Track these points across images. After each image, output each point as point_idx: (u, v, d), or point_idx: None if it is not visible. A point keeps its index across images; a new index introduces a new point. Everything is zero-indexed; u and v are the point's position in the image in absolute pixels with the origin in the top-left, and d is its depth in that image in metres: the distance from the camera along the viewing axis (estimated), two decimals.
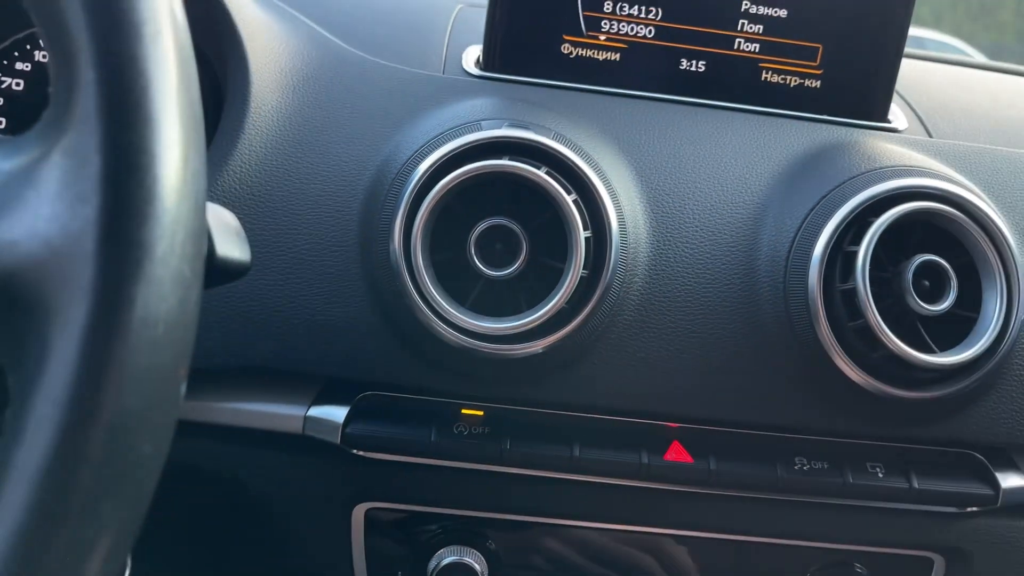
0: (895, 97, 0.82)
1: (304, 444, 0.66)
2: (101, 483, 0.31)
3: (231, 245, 0.47)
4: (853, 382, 0.64)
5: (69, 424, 0.30)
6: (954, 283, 0.63)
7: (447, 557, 0.69)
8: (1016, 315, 0.64)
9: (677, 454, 0.67)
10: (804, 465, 0.68)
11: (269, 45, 0.70)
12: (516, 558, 0.71)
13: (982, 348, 0.63)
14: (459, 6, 0.90)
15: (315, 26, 0.77)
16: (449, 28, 0.83)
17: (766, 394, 0.66)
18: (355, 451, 0.66)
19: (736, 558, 0.73)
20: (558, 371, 0.65)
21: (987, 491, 0.69)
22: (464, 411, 0.67)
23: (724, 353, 0.66)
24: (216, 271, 0.45)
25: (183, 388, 0.35)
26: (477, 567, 0.69)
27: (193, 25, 0.56)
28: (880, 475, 0.68)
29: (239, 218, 0.62)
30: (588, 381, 0.66)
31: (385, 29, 0.80)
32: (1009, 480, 0.69)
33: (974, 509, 0.69)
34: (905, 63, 0.91)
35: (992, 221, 0.64)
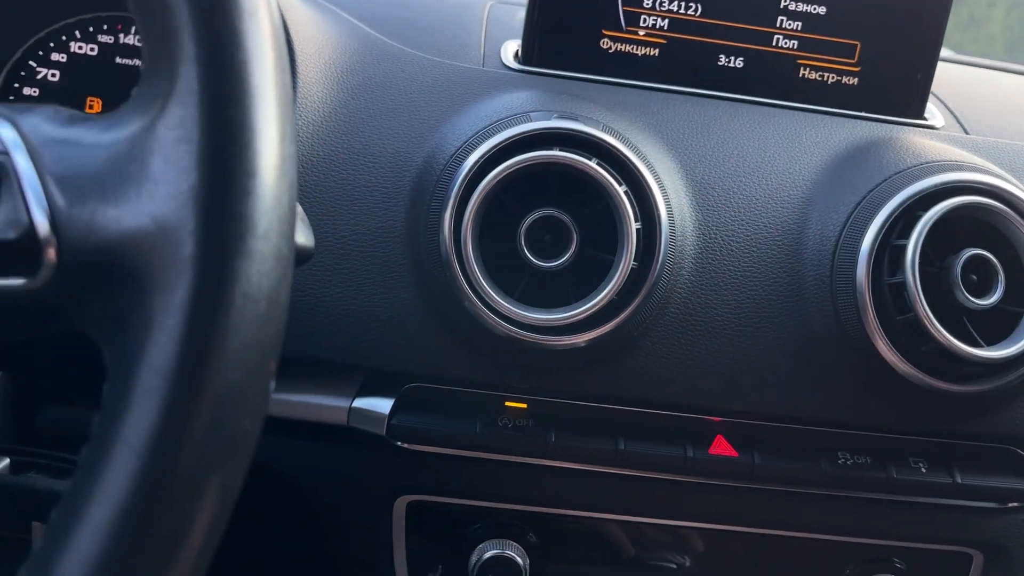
0: (929, 96, 0.82)
1: (348, 436, 0.66)
2: (205, 457, 0.30)
3: (300, 231, 0.47)
4: (900, 375, 0.64)
5: (176, 397, 0.30)
6: (1002, 277, 0.63)
7: (489, 551, 0.69)
8: None
9: (721, 448, 0.67)
10: (847, 460, 0.68)
11: (313, 37, 0.69)
12: (558, 552, 0.71)
13: None
14: (490, 3, 0.90)
15: (355, 20, 0.76)
16: (484, 23, 0.83)
17: (811, 388, 0.67)
18: (399, 443, 0.66)
19: (777, 552, 0.72)
20: (604, 364, 0.65)
21: None
22: (508, 404, 0.67)
23: (769, 347, 0.66)
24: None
25: (275, 366, 0.35)
26: (520, 561, 0.68)
27: None
28: (923, 470, 0.68)
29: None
30: (633, 374, 0.66)
31: (422, 24, 0.79)
32: None
33: (1015, 504, 0.69)
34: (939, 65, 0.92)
35: None
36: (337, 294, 0.64)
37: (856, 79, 0.78)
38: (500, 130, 0.63)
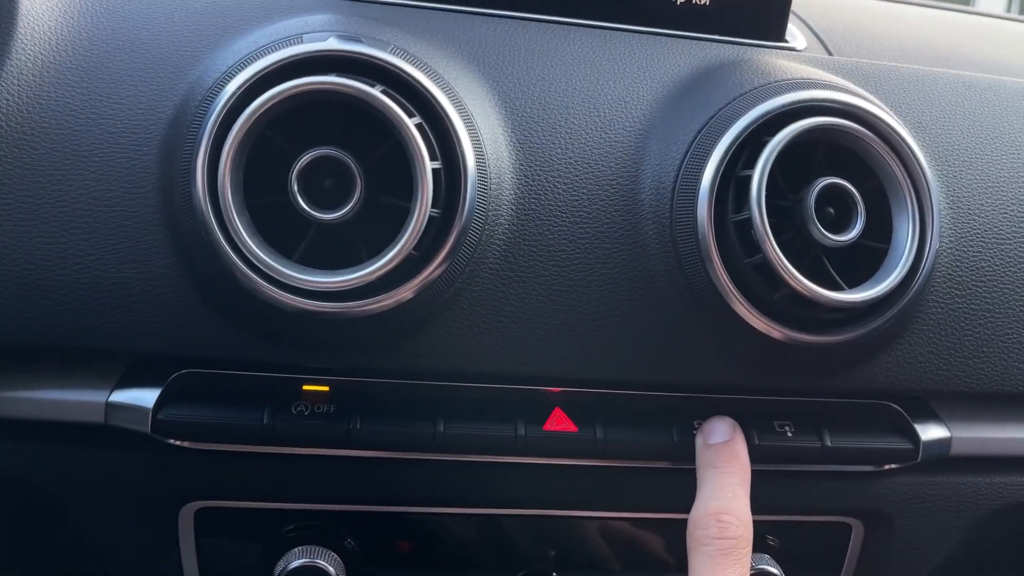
0: (793, 18, 0.74)
1: (110, 436, 0.55)
2: None
3: None
4: (753, 328, 0.55)
5: None
6: (861, 209, 0.55)
7: (295, 560, 0.58)
8: (930, 245, 0.56)
9: (559, 422, 0.58)
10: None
11: None
12: (378, 556, 0.61)
13: (894, 282, 0.55)
14: None
15: None
16: None
17: (657, 349, 0.57)
18: (172, 441, 0.55)
19: (628, 538, 0.64)
20: (414, 333, 0.55)
21: (906, 445, 0.61)
22: (306, 387, 0.56)
23: (607, 304, 0.57)
24: None
25: None
26: (331, 570, 0.58)
27: None
28: (789, 434, 0.60)
29: (13, 164, 0.50)
30: (450, 343, 0.56)
31: None
32: (929, 432, 0.62)
33: (893, 467, 0.62)
34: None
35: (902, 139, 0.57)
36: (77, 266, 0.52)
37: None
38: (263, 55, 0.52)
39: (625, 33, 0.65)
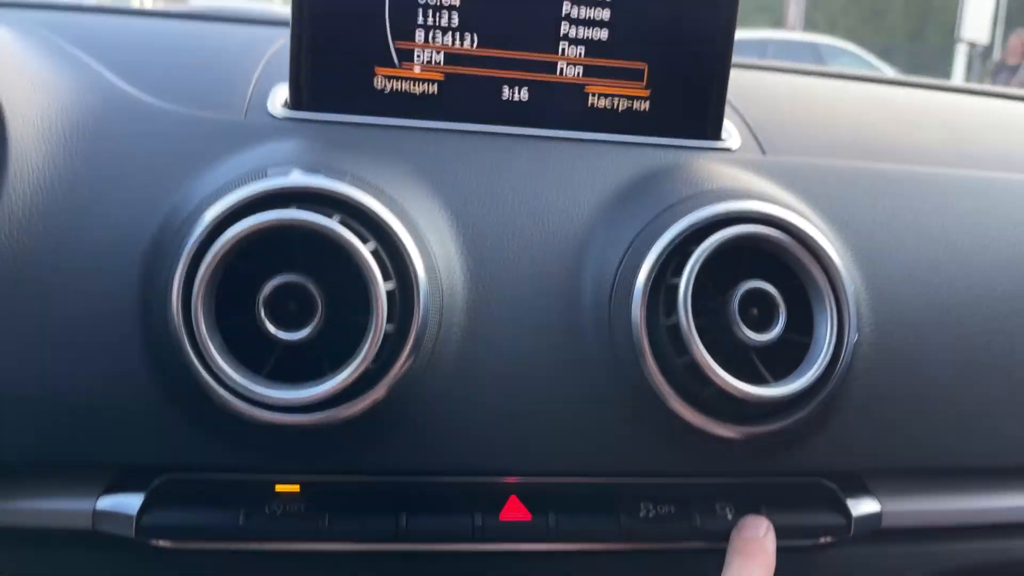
0: (730, 112, 0.80)
1: (98, 542, 0.59)
2: None
3: None
4: (689, 423, 0.60)
5: None
6: (782, 310, 0.60)
7: None
8: (848, 339, 0.61)
9: (514, 511, 0.63)
10: (650, 511, 0.64)
11: (34, 98, 0.63)
12: None
13: (815, 376, 0.60)
14: (279, 42, 0.85)
15: (100, 68, 0.70)
16: (260, 67, 0.77)
17: (603, 440, 0.62)
18: (155, 542, 0.59)
19: None
20: (377, 435, 0.60)
21: (839, 520, 0.66)
22: (278, 488, 0.61)
23: (554, 399, 0.62)
24: None
25: None
26: None
27: None
28: (730, 516, 0.65)
29: (5, 292, 0.55)
30: (411, 442, 0.61)
31: (184, 71, 0.73)
32: (860, 507, 0.67)
33: (828, 540, 0.66)
34: (741, 74, 0.90)
35: (819, 244, 0.62)
36: (62, 384, 0.57)
37: (647, 103, 0.74)
38: (231, 190, 0.57)
39: (576, 142, 0.71)
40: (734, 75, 0.91)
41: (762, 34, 11.00)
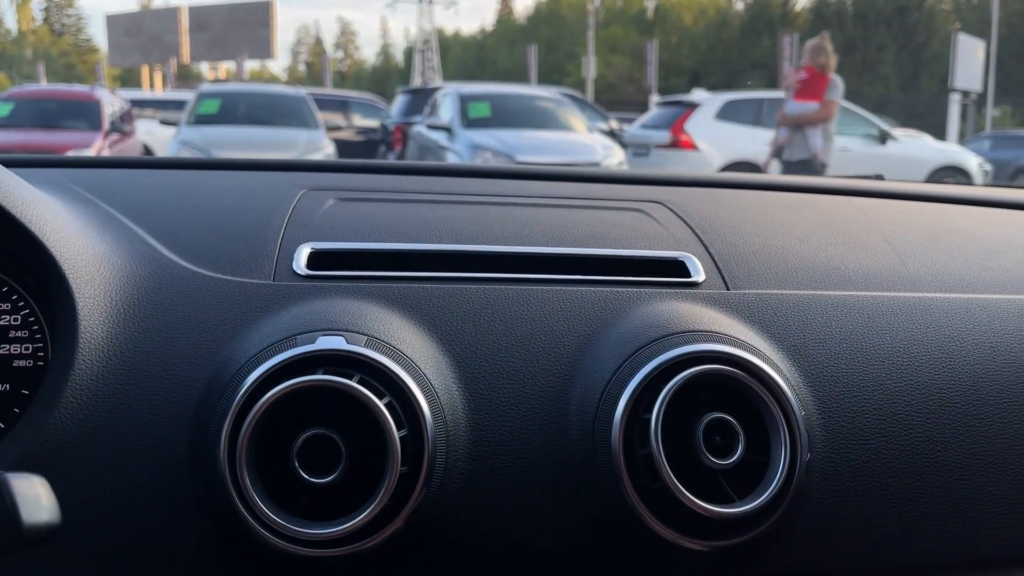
0: (697, 244, 0.90)
1: None
2: None
3: (38, 511, 0.51)
4: (665, 540, 0.69)
5: None
6: (741, 438, 0.70)
7: None
8: (800, 459, 0.71)
9: None
10: None
11: (96, 277, 0.74)
12: None
13: (772, 494, 0.69)
14: (301, 192, 0.96)
15: (146, 237, 0.81)
16: (285, 224, 0.88)
17: (591, 554, 0.72)
18: None
19: None
20: (399, 562, 0.69)
21: None
22: None
23: (549, 521, 0.71)
24: (22, 538, 0.49)
25: None
26: None
27: (15, 266, 0.60)
28: None
29: (76, 453, 0.66)
30: (430, 566, 0.70)
31: (218, 235, 0.85)
32: None
33: None
34: (708, 200, 1.01)
35: (772, 378, 0.72)
36: (128, 532, 0.67)
37: None
38: (267, 358, 0.68)
39: (551, 284, 0.81)
40: (701, 201, 1.02)
41: (758, 94, 11.30)
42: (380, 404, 0.66)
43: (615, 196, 1.04)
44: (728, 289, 0.85)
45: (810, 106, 6.38)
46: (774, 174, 4.78)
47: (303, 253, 0.83)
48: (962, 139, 18.41)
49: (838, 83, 6.40)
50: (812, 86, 6.37)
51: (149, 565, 0.67)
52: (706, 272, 0.86)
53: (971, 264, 0.94)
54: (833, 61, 6.40)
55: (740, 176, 1.29)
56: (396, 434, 0.66)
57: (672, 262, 0.87)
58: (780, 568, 0.75)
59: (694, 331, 0.75)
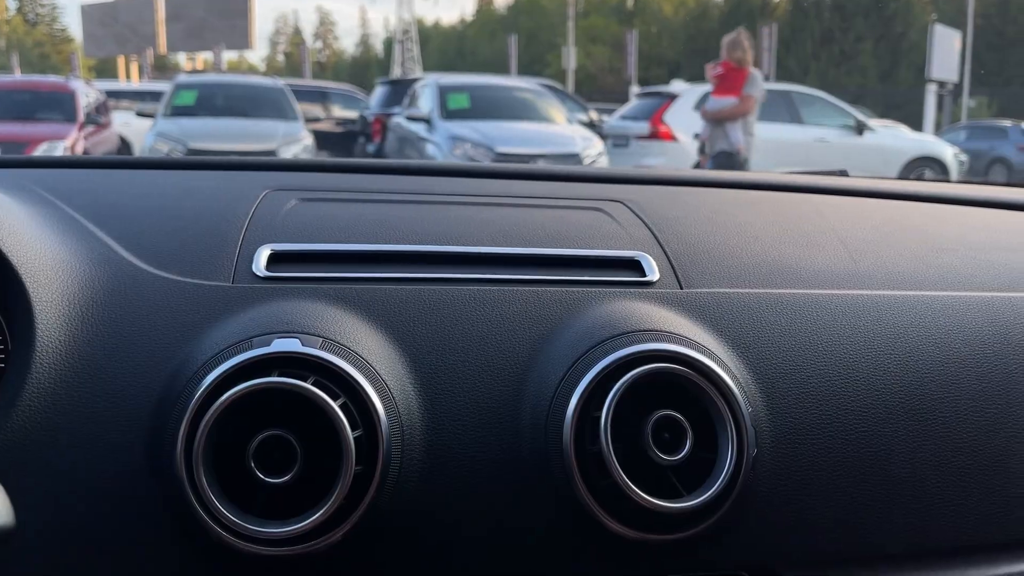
0: (653, 243, 0.92)
1: None
2: None
3: None
4: (616, 533, 0.71)
5: None
6: (689, 435, 0.72)
7: None
8: (747, 454, 0.73)
9: None
10: None
11: (54, 280, 0.75)
12: None
13: (719, 489, 0.71)
14: (264, 192, 0.97)
15: (106, 239, 0.82)
16: (246, 225, 0.89)
17: (547, 549, 0.73)
18: None
19: None
20: (355, 560, 0.71)
21: None
22: None
23: (501, 517, 0.73)
24: None
25: None
26: None
27: None
28: None
29: (34, 455, 0.67)
30: (384, 563, 0.72)
31: (177, 237, 0.85)
32: None
33: None
34: (664, 197, 1.03)
35: (720, 376, 0.74)
36: (92, 533, 0.68)
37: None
38: (223, 360, 0.69)
39: (508, 284, 0.83)
40: (661, 200, 1.04)
41: None
42: (335, 405, 0.67)
43: (577, 195, 1.05)
44: (682, 288, 0.87)
45: (728, 101, 6.40)
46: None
47: (263, 255, 0.84)
48: (938, 129, 18.58)
49: (757, 77, 6.43)
50: (730, 81, 6.40)
51: (107, 565, 0.68)
52: (661, 271, 0.88)
53: (920, 262, 0.96)
54: (750, 55, 6.43)
55: (702, 174, 1.31)
56: (351, 434, 0.67)
57: (628, 261, 0.89)
58: (728, 561, 0.77)
59: (645, 331, 0.77)
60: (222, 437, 0.68)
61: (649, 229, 0.95)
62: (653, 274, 0.87)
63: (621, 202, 1.02)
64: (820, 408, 0.80)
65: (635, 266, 0.88)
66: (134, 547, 0.69)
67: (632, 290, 0.85)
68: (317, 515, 0.66)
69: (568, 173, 1.22)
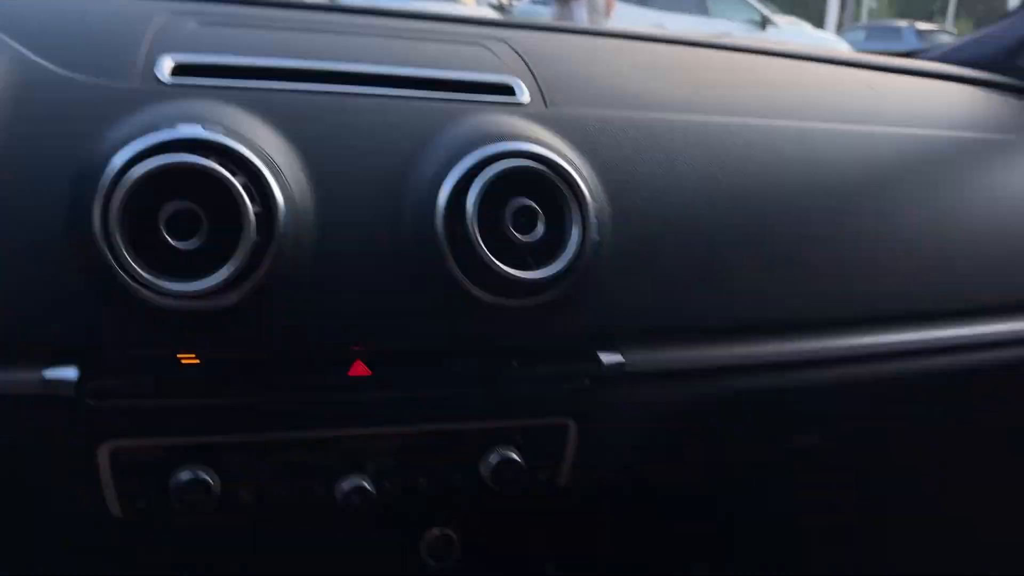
0: (525, 71, 1.04)
1: (43, 402, 0.81)
2: None
3: None
4: (481, 300, 0.86)
5: None
6: (541, 218, 0.86)
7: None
8: (589, 239, 0.87)
9: (359, 370, 0.87)
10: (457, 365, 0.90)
11: None
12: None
13: (565, 263, 0.86)
14: (168, 16, 1.03)
15: (15, 44, 0.88)
16: (151, 38, 0.95)
17: (424, 317, 0.87)
18: (91, 401, 0.81)
19: (420, 447, 0.94)
20: (252, 317, 0.83)
21: (592, 366, 0.93)
22: (180, 357, 0.83)
23: (385, 288, 0.86)
24: None
25: None
26: (211, 481, 0.86)
27: None
28: (516, 364, 0.91)
29: None
30: (280, 323, 0.84)
31: (86, 44, 0.92)
32: (608, 357, 0.94)
33: (587, 381, 0.94)
34: (540, 37, 1.15)
35: (569, 172, 0.87)
36: (13, 283, 0.78)
37: None
38: (143, 136, 0.78)
39: (393, 99, 0.93)
40: (544, 42, 1.16)
41: None
42: (235, 181, 0.77)
43: (465, 33, 1.16)
44: (547, 108, 0.99)
45: None
46: None
47: (166, 63, 0.91)
48: (840, 29, 19.01)
49: None
50: None
51: (32, 322, 0.78)
52: (531, 95, 1.00)
53: (754, 97, 1.12)
54: None
55: (589, 27, 1.42)
56: (250, 207, 0.78)
57: (503, 86, 1.01)
58: (575, 328, 0.93)
59: (511, 133, 0.90)
60: (133, 213, 0.77)
61: (525, 62, 1.07)
62: (523, 96, 1.00)
63: (504, 41, 1.13)
64: (661, 212, 0.95)
65: (509, 90, 1.00)
66: (56, 308, 0.79)
67: (504, 108, 0.97)
68: (221, 272, 0.77)
69: (464, 17, 1.31)
